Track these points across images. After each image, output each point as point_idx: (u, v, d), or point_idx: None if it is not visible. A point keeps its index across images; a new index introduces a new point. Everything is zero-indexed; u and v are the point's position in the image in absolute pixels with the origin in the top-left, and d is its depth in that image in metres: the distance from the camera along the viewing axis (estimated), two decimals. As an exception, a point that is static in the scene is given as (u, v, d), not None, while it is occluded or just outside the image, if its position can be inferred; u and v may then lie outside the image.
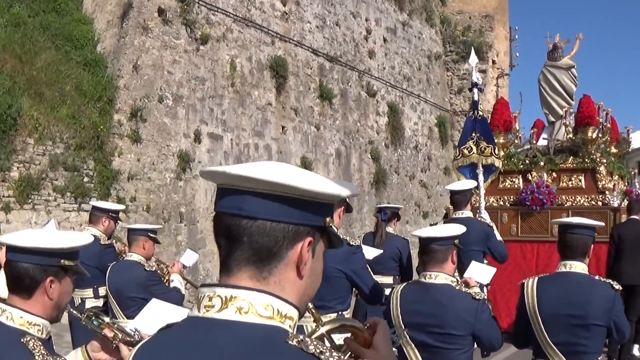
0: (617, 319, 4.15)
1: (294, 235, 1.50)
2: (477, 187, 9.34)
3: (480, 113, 10.48)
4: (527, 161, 12.69)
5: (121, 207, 7.97)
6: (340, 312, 4.99)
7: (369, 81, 22.53)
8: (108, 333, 2.68)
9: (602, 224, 5.48)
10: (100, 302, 6.60)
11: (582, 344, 4.14)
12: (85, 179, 12.92)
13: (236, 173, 1.48)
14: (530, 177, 12.39)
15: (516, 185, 12.45)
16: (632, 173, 13.95)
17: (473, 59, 11.13)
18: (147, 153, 14.26)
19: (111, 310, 6.07)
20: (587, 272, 4.26)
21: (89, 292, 6.66)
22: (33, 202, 11.93)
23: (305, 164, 18.85)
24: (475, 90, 10.37)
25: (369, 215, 20.97)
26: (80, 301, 6.67)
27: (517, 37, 29.86)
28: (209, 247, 15.07)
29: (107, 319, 2.77)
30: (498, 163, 10.50)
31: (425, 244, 4.10)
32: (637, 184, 13.55)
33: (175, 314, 3.15)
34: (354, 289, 5.17)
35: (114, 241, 7.11)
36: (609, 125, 13.16)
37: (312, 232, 1.53)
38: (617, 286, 4.21)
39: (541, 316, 4.23)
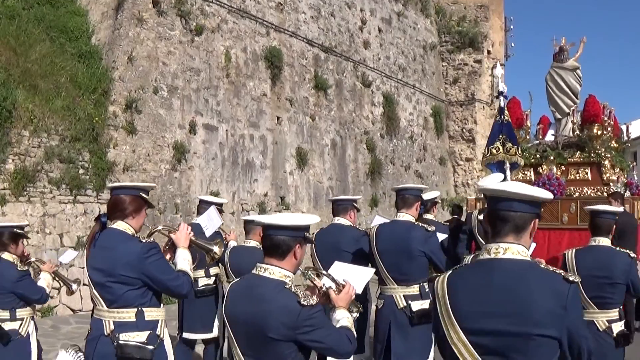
0: (634, 279, 5.53)
1: (532, 218, 3.05)
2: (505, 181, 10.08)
3: (506, 118, 11.82)
4: (537, 155, 13.81)
5: (225, 200, 9.16)
6: (421, 283, 6.19)
7: (364, 71, 22.56)
8: (317, 283, 3.75)
9: (621, 209, 7.19)
10: (211, 280, 7.53)
11: (608, 297, 5.49)
12: (81, 171, 12.97)
13: (513, 191, 3.01)
14: (541, 170, 13.56)
15: (528, 178, 13.30)
16: (632, 166, 15.15)
17: (498, 70, 12.36)
18: (142, 144, 14.31)
19: None
20: (610, 245, 5.66)
21: (201, 272, 7.46)
22: (28, 194, 11.98)
23: (301, 155, 18.92)
24: (502, 97, 11.68)
25: (364, 206, 21.07)
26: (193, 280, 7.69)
27: (512, 27, 29.93)
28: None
29: (324, 272, 3.96)
30: (521, 161, 11.86)
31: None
32: (635, 175, 14.67)
33: (356, 270, 4.40)
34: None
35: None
36: (611, 122, 14.42)
37: (537, 216, 3.08)
38: (633, 255, 5.64)
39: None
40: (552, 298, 2.91)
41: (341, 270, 4.21)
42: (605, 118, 14.14)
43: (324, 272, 3.95)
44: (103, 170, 13.31)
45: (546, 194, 3.17)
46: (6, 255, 5.96)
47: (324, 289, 3.73)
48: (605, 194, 12.74)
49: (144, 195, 4.81)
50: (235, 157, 16.80)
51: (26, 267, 6.11)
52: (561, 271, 2.98)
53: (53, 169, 12.50)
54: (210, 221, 7.11)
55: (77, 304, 12.20)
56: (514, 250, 3.00)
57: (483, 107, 27.59)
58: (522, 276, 2.95)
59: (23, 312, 5.98)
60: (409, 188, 6.92)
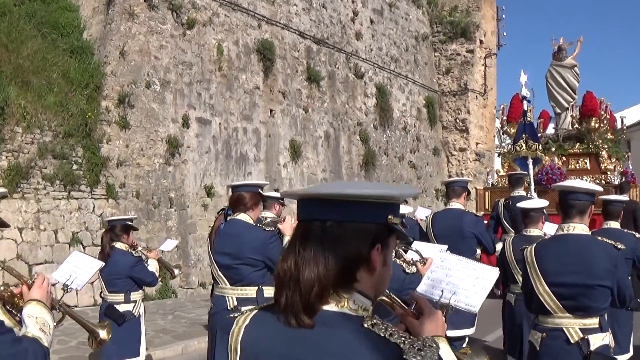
0: (639, 254, 6.44)
1: (589, 204, 4.41)
2: (527, 174, 12.10)
3: (529, 119, 13.55)
4: (540, 147, 14.71)
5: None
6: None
7: (356, 63, 22.57)
8: (406, 257, 4.64)
9: (628, 198, 8.14)
10: None
11: None
12: (74, 167, 12.99)
13: (578, 186, 4.44)
14: (544, 161, 14.62)
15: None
16: (627, 155, 16.39)
17: (523, 77, 13.32)
18: (135, 139, 14.32)
19: None
20: (619, 228, 6.78)
21: None
22: (22, 190, 11.99)
23: (294, 147, 18.95)
24: (525, 102, 13.33)
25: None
26: None
27: (504, 16, 29.90)
28: (199, 232, 15.18)
29: (412, 248, 4.72)
30: (541, 156, 13.59)
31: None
32: (630, 165, 15.88)
33: (432, 247, 5.31)
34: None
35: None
36: (608, 116, 15.88)
37: (592, 203, 4.43)
38: (638, 235, 6.60)
39: None
40: (607, 260, 4.33)
41: (421, 247, 5.16)
42: (602, 112, 15.53)
43: (412, 248, 4.79)
44: (97, 165, 13.34)
45: (598, 188, 4.72)
46: (120, 245, 6.72)
47: (411, 261, 4.61)
48: (603, 182, 14.07)
49: (260, 191, 5.74)
50: (229, 150, 16.83)
51: (139, 254, 6.84)
52: (612, 242, 4.42)
53: (46, 165, 12.51)
54: None
55: (72, 299, 12.23)
56: (579, 228, 4.44)
57: (476, 96, 27.61)
58: (586, 245, 4.41)
59: (136, 295, 6.72)
60: (457, 181, 8.28)
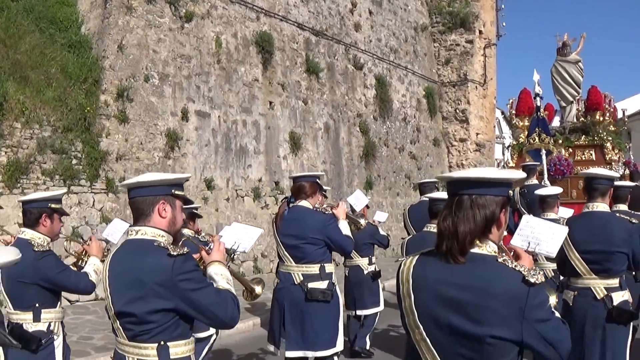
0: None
1: (610, 187, 5.69)
2: (541, 164, 13.37)
3: (542, 115, 14.81)
4: (552, 140, 15.70)
5: (327, 188, 10.93)
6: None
7: (355, 54, 22.53)
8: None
9: (635, 183, 9.01)
10: None
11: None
12: (74, 161, 12.98)
13: (601, 173, 5.82)
14: (554, 153, 15.46)
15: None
16: (628, 146, 17.26)
17: (536, 76, 14.40)
18: (134, 133, 14.32)
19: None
20: (627, 210, 7.26)
21: None
22: (22, 186, 12.00)
23: (294, 139, 18.94)
24: (538, 98, 14.60)
25: (359, 188, 21.10)
26: None
27: (503, 6, 29.82)
28: (200, 225, 15.15)
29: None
30: (553, 148, 14.86)
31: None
32: (631, 155, 16.81)
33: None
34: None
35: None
36: (612, 110, 16.83)
37: (611, 186, 5.74)
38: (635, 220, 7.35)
39: None
40: (624, 231, 5.42)
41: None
42: (607, 106, 16.46)
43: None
44: (96, 160, 13.33)
45: (616, 174, 6.05)
46: (186, 231, 7.13)
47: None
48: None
49: (318, 181, 6.58)
50: (229, 143, 16.82)
51: (205, 239, 7.21)
52: (628, 217, 5.62)
53: (46, 160, 12.52)
54: (357, 200, 8.92)
55: (74, 294, 12.22)
56: (601, 206, 5.58)
57: (476, 87, 27.57)
58: (607, 220, 5.53)
59: None
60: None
